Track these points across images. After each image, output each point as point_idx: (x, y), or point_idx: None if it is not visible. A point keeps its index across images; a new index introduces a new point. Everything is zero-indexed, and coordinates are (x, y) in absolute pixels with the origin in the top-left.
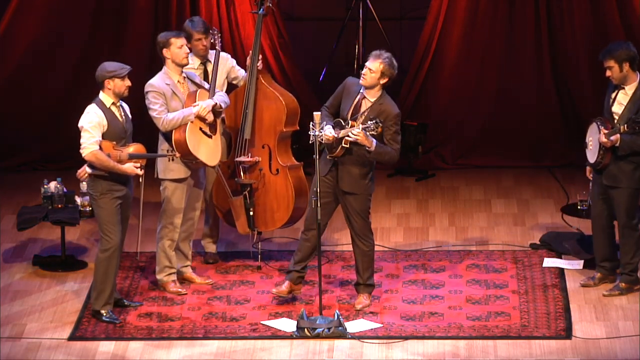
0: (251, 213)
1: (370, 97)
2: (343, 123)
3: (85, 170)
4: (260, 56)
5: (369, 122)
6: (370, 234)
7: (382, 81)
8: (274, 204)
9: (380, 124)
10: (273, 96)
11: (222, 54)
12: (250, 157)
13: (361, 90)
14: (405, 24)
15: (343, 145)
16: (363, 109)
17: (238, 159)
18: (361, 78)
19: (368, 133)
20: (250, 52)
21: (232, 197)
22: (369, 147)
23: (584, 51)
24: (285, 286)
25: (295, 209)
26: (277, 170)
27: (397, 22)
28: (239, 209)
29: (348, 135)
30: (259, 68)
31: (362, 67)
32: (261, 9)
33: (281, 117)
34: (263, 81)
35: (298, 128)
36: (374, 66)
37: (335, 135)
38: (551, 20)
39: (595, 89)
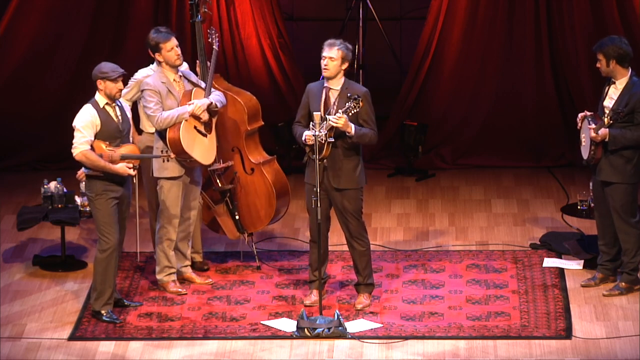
0: (237, 217)
1: (335, 87)
2: (321, 122)
3: (83, 171)
4: (209, 63)
5: (346, 104)
6: (365, 234)
7: (344, 67)
8: (256, 202)
9: (359, 98)
10: (230, 99)
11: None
12: (222, 163)
13: (325, 85)
14: (405, 24)
15: (328, 140)
16: (332, 100)
17: (211, 167)
18: (323, 70)
19: (351, 113)
20: (198, 60)
21: (214, 206)
22: (349, 132)
23: (584, 51)
24: (314, 295)
25: (279, 202)
26: (252, 169)
27: (397, 22)
28: (224, 216)
29: (331, 123)
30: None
31: (362, 67)
32: (198, 17)
33: (243, 118)
34: (217, 86)
35: (262, 123)
36: (333, 54)
37: (315, 134)
38: (551, 20)
39: (595, 88)
